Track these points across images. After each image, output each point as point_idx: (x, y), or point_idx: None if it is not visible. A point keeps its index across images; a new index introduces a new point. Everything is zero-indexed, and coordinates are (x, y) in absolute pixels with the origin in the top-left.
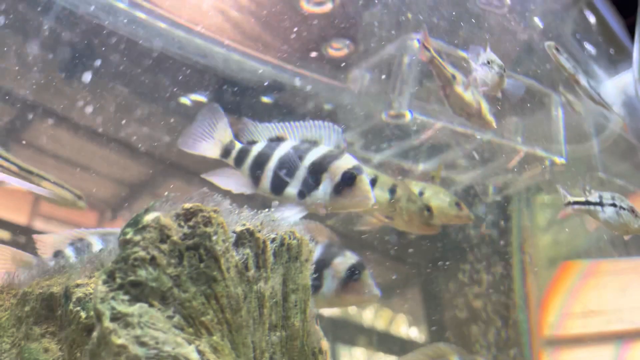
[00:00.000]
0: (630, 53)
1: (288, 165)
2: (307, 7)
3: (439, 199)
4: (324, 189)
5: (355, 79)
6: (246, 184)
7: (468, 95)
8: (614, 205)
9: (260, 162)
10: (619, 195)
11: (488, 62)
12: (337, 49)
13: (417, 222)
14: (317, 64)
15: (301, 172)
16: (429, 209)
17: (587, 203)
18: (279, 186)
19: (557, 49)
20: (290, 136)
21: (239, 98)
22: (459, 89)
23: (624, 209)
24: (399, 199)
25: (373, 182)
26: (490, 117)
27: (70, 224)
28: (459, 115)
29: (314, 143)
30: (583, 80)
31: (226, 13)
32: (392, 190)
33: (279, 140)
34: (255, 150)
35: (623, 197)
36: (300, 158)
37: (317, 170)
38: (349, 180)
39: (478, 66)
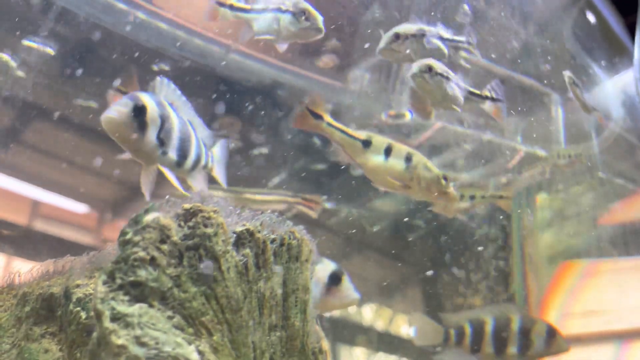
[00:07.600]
0: (630, 52)
1: None
2: None
3: None
4: None
5: (355, 79)
6: None
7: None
8: None
9: None
10: None
11: None
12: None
13: (434, 190)
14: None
15: None
16: (445, 177)
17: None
18: None
19: (574, 83)
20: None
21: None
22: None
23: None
24: (415, 167)
25: (388, 151)
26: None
27: (71, 224)
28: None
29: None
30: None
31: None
32: (408, 159)
33: None
34: None
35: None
36: None
37: None
38: None
39: None
